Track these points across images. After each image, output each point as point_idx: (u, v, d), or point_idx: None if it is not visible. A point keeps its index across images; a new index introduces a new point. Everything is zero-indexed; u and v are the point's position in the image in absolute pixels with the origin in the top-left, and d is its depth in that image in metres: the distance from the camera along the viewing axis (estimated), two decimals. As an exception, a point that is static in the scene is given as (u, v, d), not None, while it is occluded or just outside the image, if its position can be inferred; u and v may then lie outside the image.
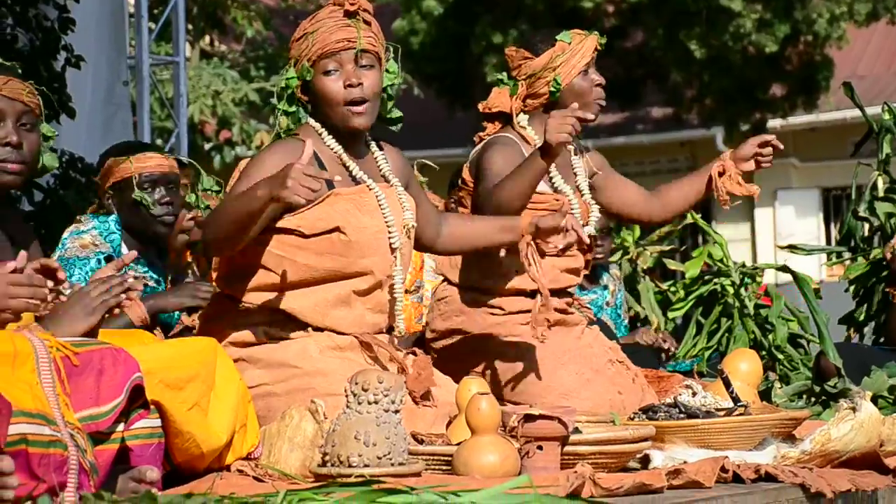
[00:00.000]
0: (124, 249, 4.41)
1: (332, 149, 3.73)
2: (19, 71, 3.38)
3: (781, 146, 4.33)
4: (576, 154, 4.39)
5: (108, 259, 4.31)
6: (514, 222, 3.88)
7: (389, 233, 3.73)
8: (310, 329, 3.67)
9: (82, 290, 3.10)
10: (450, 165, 5.70)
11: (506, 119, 4.34)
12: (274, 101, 3.78)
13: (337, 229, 3.64)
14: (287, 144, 3.66)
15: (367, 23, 3.73)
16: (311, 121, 3.76)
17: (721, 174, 4.34)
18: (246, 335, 3.67)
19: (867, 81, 18.73)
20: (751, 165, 4.33)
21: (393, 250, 3.74)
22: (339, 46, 3.68)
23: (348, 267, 3.66)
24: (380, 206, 3.72)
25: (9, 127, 3.26)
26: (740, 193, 4.32)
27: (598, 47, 4.31)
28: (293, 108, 3.76)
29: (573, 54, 4.26)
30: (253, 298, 3.68)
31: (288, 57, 3.80)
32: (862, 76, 18.97)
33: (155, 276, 4.54)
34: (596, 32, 4.34)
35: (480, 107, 4.38)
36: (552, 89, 4.25)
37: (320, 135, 3.73)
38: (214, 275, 3.82)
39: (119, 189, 4.50)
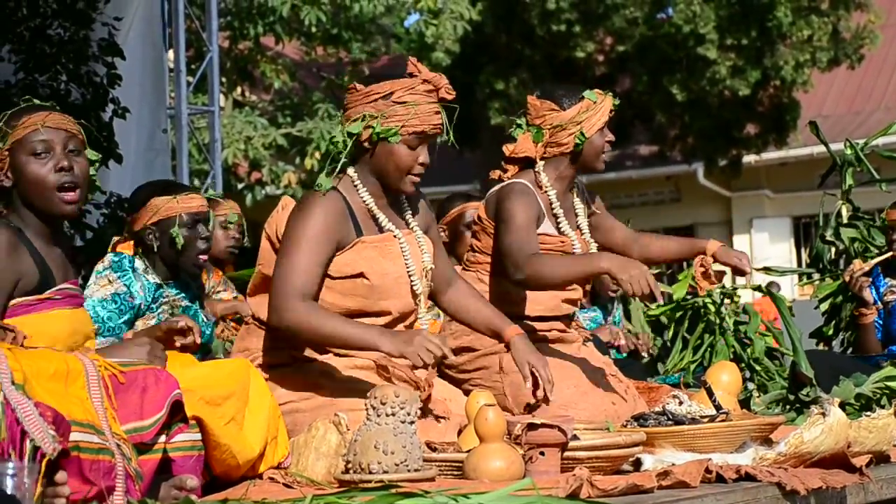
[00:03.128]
0: (136, 286, 4.36)
1: (363, 200, 3.67)
2: (57, 107, 3.31)
3: (748, 272, 4.25)
4: (578, 196, 4.38)
5: (120, 297, 4.27)
6: (502, 328, 3.77)
7: (411, 279, 3.69)
8: (331, 354, 3.66)
9: (142, 340, 3.11)
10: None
11: (525, 162, 4.31)
12: (336, 140, 3.64)
13: (361, 275, 3.60)
14: (327, 204, 3.58)
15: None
16: (351, 170, 3.67)
17: (702, 266, 4.28)
18: (274, 357, 3.66)
19: (831, 120, 18.73)
20: (726, 268, 4.29)
21: (415, 295, 3.71)
22: (434, 131, 3.63)
23: (369, 307, 3.64)
24: (402, 253, 3.68)
25: (59, 153, 3.17)
26: (705, 287, 4.29)
27: (613, 109, 4.28)
28: (348, 151, 3.65)
29: (595, 112, 4.21)
30: None
31: (348, 103, 3.66)
32: (826, 116, 18.97)
33: (187, 297, 4.52)
34: (611, 94, 4.30)
35: (506, 150, 4.30)
36: (577, 142, 4.21)
37: (355, 186, 3.66)
38: (249, 300, 3.80)
39: (162, 226, 4.45)
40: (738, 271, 4.22)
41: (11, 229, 3.11)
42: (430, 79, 3.63)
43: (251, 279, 3.81)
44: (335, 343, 3.45)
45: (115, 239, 4.54)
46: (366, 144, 3.63)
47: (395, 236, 3.67)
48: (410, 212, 3.77)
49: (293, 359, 3.65)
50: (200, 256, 4.47)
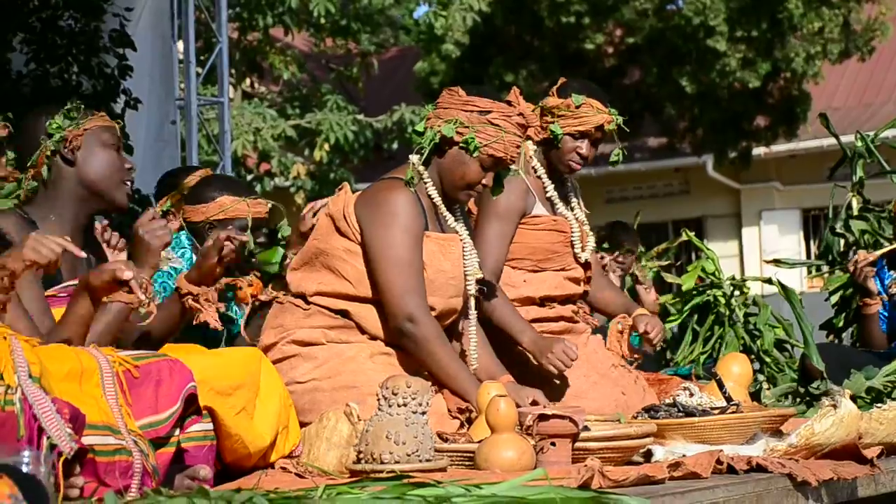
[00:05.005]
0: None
1: (431, 197, 3.73)
2: (83, 106, 3.45)
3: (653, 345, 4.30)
4: (571, 192, 4.39)
5: (177, 272, 4.27)
6: (496, 375, 3.78)
7: (466, 280, 3.75)
8: (366, 336, 3.68)
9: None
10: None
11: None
12: (424, 134, 3.71)
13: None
14: (411, 197, 3.65)
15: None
16: (422, 168, 3.73)
17: (619, 324, 4.33)
18: (308, 335, 3.68)
19: (841, 112, 18.67)
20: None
21: (467, 296, 3.78)
22: (509, 161, 3.71)
23: None
24: (464, 255, 3.74)
25: (122, 152, 3.46)
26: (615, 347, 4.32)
27: (606, 125, 4.21)
28: (430, 148, 3.70)
29: (573, 116, 4.21)
30: (322, 301, 3.69)
31: (444, 103, 3.73)
32: (836, 108, 18.91)
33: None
34: (613, 113, 4.24)
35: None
36: (550, 135, 4.21)
37: (425, 183, 3.73)
38: (291, 273, 3.79)
39: (224, 224, 4.40)
40: (647, 340, 4.24)
41: (25, 222, 3.15)
42: (525, 114, 3.73)
43: (300, 253, 3.81)
44: (439, 375, 3.49)
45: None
46: (445, 146, 3.69)
47: (459, 238, 3.72)
48: (461, 216, 3.83)
49: (327, 339, 3.67)
50: (253, 259, 4.49)
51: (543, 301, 4.23)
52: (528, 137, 3.79)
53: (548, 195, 4.26)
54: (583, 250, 4.29)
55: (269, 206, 4.52)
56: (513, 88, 3.82)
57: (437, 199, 3.72)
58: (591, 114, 4.20)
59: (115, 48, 7.36)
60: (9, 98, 6.42)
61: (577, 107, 4.19)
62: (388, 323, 3.64)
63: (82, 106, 3.46)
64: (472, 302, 3.80)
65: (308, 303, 3.72)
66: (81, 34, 7.19)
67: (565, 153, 4.22)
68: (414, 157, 3.73)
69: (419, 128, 3.74)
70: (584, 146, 4.22)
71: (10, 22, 6.98)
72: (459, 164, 3.68)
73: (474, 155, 3.66)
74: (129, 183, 3.45)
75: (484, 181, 3.70)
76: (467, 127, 3.66)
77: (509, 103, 3.73)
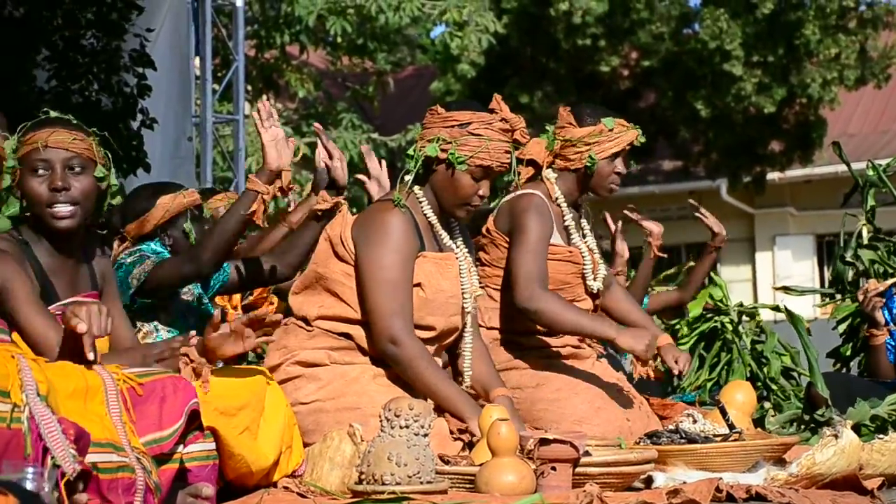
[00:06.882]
0: None
1: (427, 217, 3.76)
2: (73, 121, 3.39)
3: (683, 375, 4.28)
4: (584, 218, 4.41)
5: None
6: (490, 386, 3.81)
7: (464, 298, 3.77)
8: (368, 358, 3.71)
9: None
10: (482, 212, 5.73)
11: (535, 169, 4.33)
12: (412, 156, 3.74)
13: (418, 285, 3.68)
14: (404, 219, 3.67)
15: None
16: (417, 189, 3.76)
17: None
18: (313, 356, 3.71)
19: (857, 139, 18.66)
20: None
21: (465, 314, 3.79)
22: (500, 168, 3.72)
23: (417, 320, 3.70)
24: (460, 274, 3.76)
25: (57, 173, 3.27)
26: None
27: (636, 142, 4.26)
28: (416, 168, 3.73)
29: (608, 139, 4.23)
30: (324, 325, 3.72)
31: (427, 123, 3.77)
32: (852, 135, 18.90)
33: (197, 289, 4.55)
34: (638, 128, 4.29)
35: (516, 154, 4.37)
36: (587, 164, 4.23)
37: (420, 203, 3.76)
38: (293, 297, 3.83)
39: (175, 223, 4.43)
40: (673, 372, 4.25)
41: (15, 242, 3.19)
42: (508, 119, 3.74)
43: (300, 277, 3.85)
44: (428, 395, 3.52)
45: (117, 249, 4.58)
46: (433, 166, 3.72)
47: (456, 256, 3.74)
48: (459, 234, 3.84)
49: (330, 360, 3.70)
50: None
51: (548, 334, 4.26)
52: (516, 141, 3.78)
53: (565, 224, 4.28)
54: (594, 280, 4.31)
55: (197, 191, 4.63)
56: (494, 95, 3.84)
57: (433, 219, 3.75)
58: (623, 132, 4.25)
59: (135, 67, 7.45)
60: (31, 114, 6.50)
61: (610, 129, 4.23)
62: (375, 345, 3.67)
63: (36, 119, 3.35)
64: (469, 319, 3.82)
65: (311, 325, 3.75)
66: (102, 53, 7.30)
67: (605, 177, 4.25)
68: (406, 177, 3.76)
69: (410, 151, 3.77)
70: (619, 165, 4.27)
71: (34, 40, 7.07)
72: (450, 180, 3.71)
73: (462, 169, 3.68)
74: (58, 205, 3.26)
75: (480, 192, 3.72)
76: (450, 143, 3.69)
77: (492, 111, 3.75)
